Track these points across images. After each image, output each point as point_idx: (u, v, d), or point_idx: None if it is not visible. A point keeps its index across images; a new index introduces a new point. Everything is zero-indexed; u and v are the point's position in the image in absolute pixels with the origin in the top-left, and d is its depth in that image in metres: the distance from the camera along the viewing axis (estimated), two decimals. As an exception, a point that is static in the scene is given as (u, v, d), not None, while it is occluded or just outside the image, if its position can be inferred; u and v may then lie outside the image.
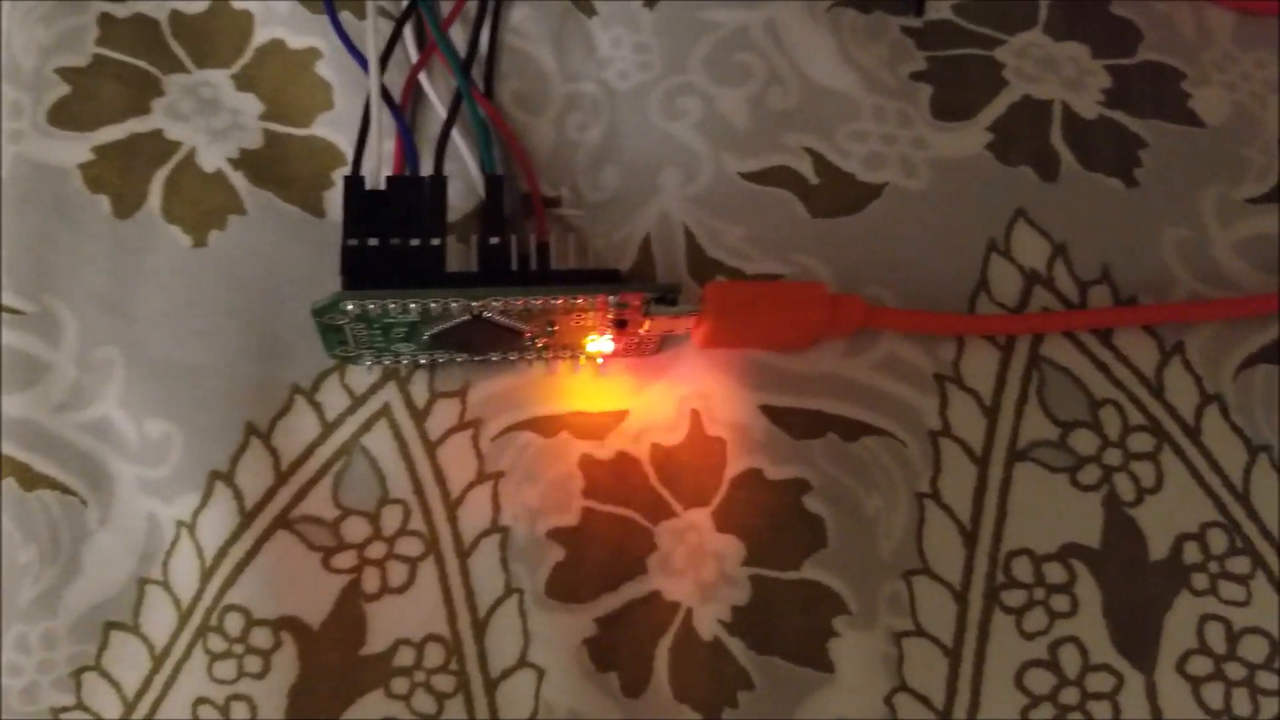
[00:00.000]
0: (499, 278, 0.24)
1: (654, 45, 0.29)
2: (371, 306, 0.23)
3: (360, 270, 0.23)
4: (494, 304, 0.23)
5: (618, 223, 0.27)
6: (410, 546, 0.25)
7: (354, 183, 0.24)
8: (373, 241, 0.23)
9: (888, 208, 0.27)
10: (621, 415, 0.26)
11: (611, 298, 0.23)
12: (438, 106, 0.28)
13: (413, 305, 0.23)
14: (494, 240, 0.24)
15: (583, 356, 0.26)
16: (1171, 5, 0.30)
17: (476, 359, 0.25)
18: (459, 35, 0.29)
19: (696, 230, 0.27)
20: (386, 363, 0.26)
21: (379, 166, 0.24)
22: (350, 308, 0.23)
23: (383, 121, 0.25)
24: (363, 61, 0.27)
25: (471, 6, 0.29)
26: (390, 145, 0.26)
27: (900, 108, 0.28)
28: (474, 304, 0.23)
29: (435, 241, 0.24)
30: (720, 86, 0.29)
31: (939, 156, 0.28)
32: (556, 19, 0.30)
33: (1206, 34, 0.30)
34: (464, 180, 0.27)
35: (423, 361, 0.26)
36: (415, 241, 0.24)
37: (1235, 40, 0.30)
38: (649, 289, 0.23)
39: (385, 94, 0.26)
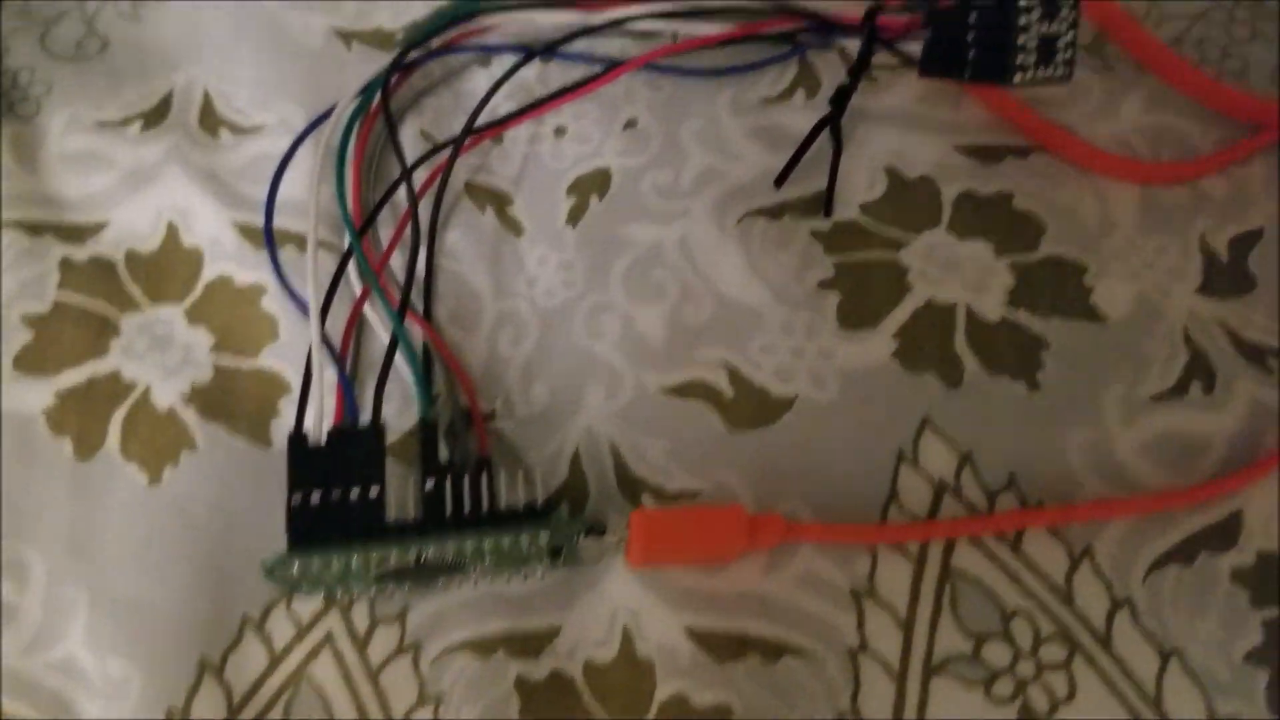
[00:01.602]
0: (438, 522, 0.26)
1: (577, 263, 0.32)
2: (316, 563, 0.25)
3: (304, 529, 0.26)
4: (433, 550, 0.25)
5: (549, 437, 0.30)
6: (352, 780, 0.27)
7: (296, 441, 0.27)
8: (316, 497, 0.26)
9: (800, 420, 0.30)
10: (555, 631, 0.28)
11: (544, 531, 0.26)
12: (381, 335, 0.30)
13: (355, 558, 0.25)
14: (430, 486, 0.27)
15: (522, 574, 0.28)
16: (1075, 193, 0.32)
17: (421, 587, 0.28)
18: (399, 258, 0.31)
19: (621, 446, 0.29)
20: (337, 595, 0.28)
21: (321, 416, 0.27)
22: (296, 567, 0.25)
23: (325, 366, 0.28)
24: (304, 306, 0.30)
25: (412, 231, 0.31)
26: (332, 376, 0.29)
27: (808, 318, 0.31)
28: (413, 552, 0.25)
29: (375, 491, 0.26)
30: (638, 304, 0.31)
31: (846, 366, 0.30)
32: (488, 240, 0.32)
33: (1109, 223, 0.32)
34: (404, 396, 0.29)
35: (371, 593, 0.28)
36: (356, 493, 0.26)
37: (1138, 226, 0.32)
38: (577, 527, 0.26)
39: (326, 340, 0.28)
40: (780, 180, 0.32)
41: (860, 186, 0.33)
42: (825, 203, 0.32)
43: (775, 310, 0.31)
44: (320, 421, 0.27)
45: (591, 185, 0.33)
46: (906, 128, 0.34)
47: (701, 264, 0.31)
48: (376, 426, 0.27)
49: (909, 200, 0.32)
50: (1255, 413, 0.30)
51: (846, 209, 0.32)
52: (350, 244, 0.30)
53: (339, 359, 0.29)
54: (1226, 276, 0.31)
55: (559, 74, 0.36)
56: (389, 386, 0.28)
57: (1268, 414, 0.30)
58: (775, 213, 0.32)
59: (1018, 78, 0.28)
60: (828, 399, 0.30)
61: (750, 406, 0.30)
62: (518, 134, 0.35)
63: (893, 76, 0.35)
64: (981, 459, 0.29)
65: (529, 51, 0.33)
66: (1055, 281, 0.31)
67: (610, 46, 0.35)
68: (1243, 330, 0.31)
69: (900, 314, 0.31)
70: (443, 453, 0.27)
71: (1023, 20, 0.27)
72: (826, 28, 0.33)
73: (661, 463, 0.29)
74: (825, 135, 0.32)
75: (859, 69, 0.31)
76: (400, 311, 0.29)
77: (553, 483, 0.29)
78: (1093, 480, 0.29)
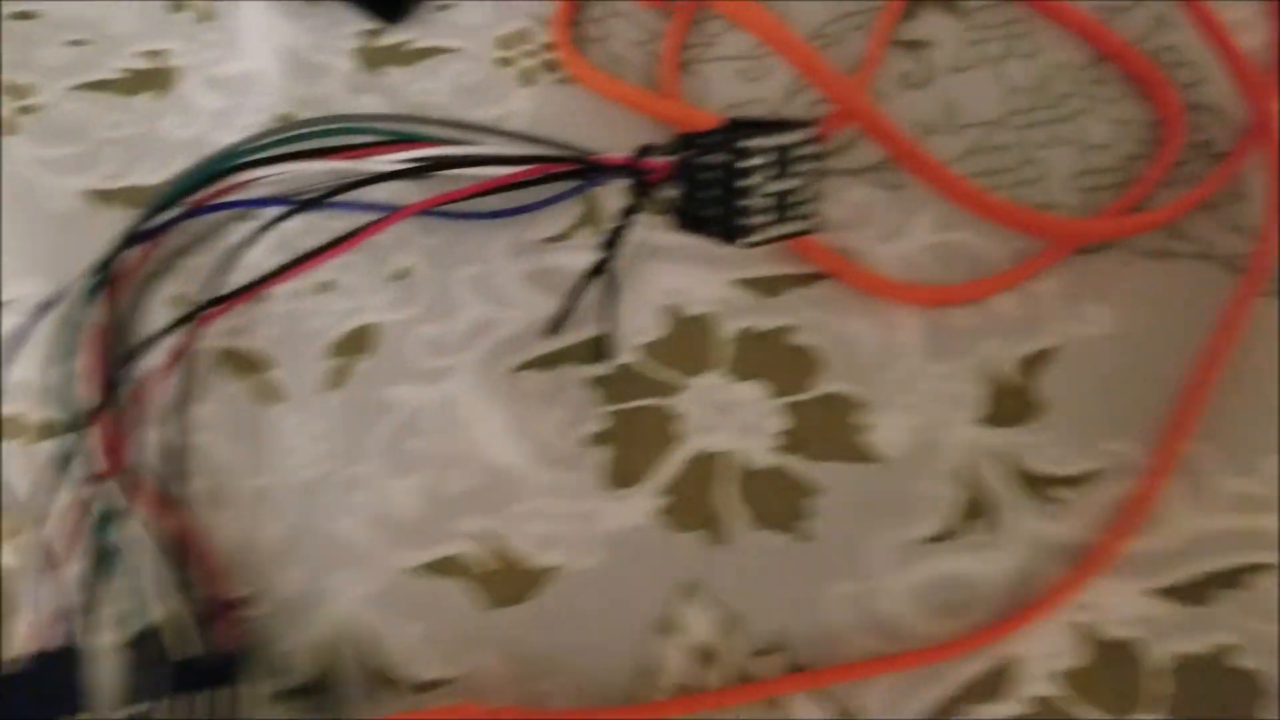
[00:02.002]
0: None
1: (336, 433, 0.31)
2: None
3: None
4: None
5: (301, 626, 0.29)
6: None
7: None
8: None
9: (561, 592, 0.29)
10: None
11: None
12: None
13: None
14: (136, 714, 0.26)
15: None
16: (859, 323, 0.32)
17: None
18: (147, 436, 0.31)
19: (376, 631, 0.28)
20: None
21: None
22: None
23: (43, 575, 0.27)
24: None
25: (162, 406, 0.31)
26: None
27: (573, 479, 0.30)
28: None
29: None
30: (395, 476, 0.30)
31: (611, 529, 0.29)
32: (245, 411, 0.31)
33: (893, 352, 0.32)
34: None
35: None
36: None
37: (924, 353, 0.32)
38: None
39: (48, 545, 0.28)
40: (553, 329, 0.31)
41: (640, 328, 0.32)
42: (602, 349, 0.31)
43: (539, 473, 0.30)
44: (35, 642, 0.26)
45: (356, 344, 0.33)
46: (689, 263, 0.33)
47: (464, 427, 0.31)
48: (71, 651, 0.26)
49: (688, 341, 0.32)
50: (1035, 550, 0.29)
51: (628, 353, 0.32)
52: (76, 428, 0.29)
53: (58, 564, 0.28)
54: (1012, 402, 0.31)
55: (328, 224, 0.35)
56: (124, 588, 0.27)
57: (1048, 550, 0.29)
58: (550, 362, 0.32)
59: (753, 238, 0.27)
60: (590, 567, 0.29)
61: (510, 580, 0.29)
62: (280, 292, 0.34)
63: (678, 206, 0.34)
64: (748, 621, 0.28)
65: (291, 204, 0.33)
66: (830, 421, 0.30)
67: (382, 191, 0.35)
68: (1026, 460, 0.30)
69: (669, 467, 0.30)
70: (189, 649, 0.26)
71: (750, 181, 0.26)
72: (598, 170, 0.32)
73: (416, 649, 0.28)
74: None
75: (628, 212, 0.30)
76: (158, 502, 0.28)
77: (301, 676, 0.28)
78: (861, 635, 0.28)
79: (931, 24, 0.37)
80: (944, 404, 0.31)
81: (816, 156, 0.27)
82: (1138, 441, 0.30)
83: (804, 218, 0.28)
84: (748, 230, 0.27)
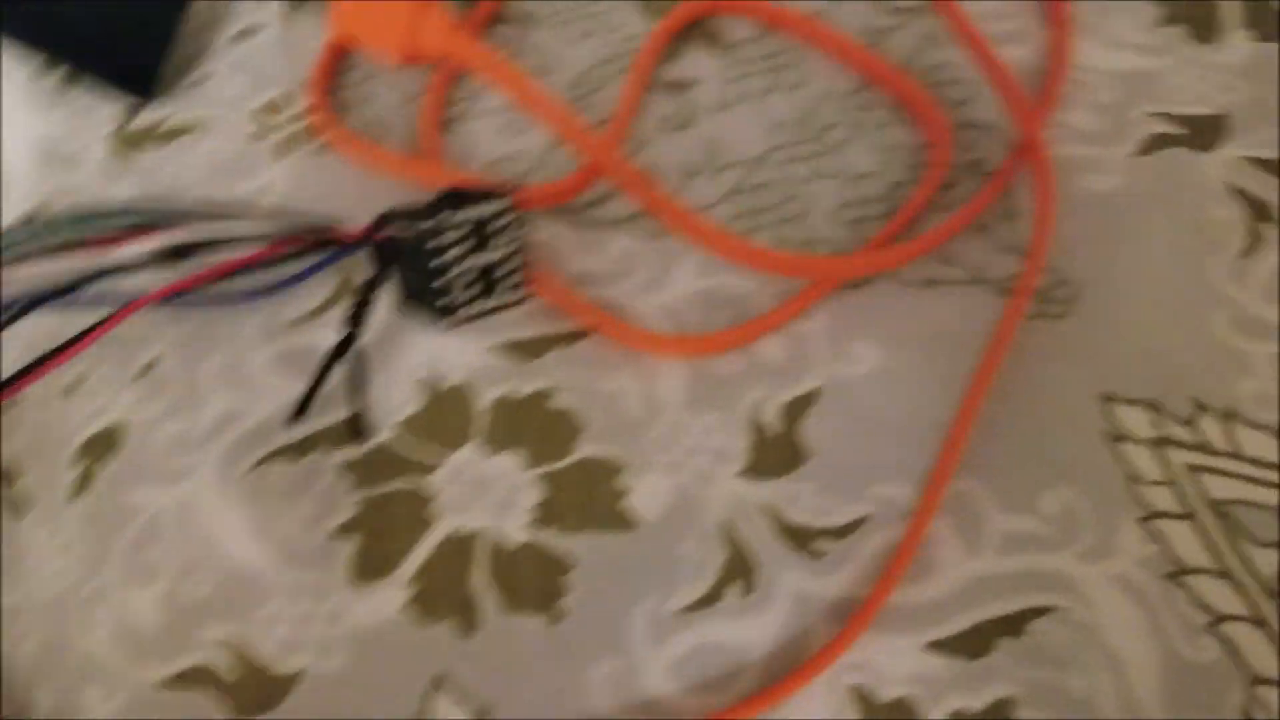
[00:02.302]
0: None
1: (77, 544, 0.30)
2: None
3: None
4: None
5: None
6: None
7: None
8: None
9: (306, 699, 0.28)
10: None
11: None
12: None
13: None
14: None
15: None
16: (620, 380, 0.31)
17: None
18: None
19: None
20: None
21: None
22: None
23: None
24: None
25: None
26: None
27: (318, 578, 0.29)
28: None
29: None
30: (134, 587, 0.29)
31: (357, 627, 0.28)
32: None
33: (655, 407, 0.31)
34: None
35: None
36: None
37: (686, 407, 0.31)
38: None
39: None
40: (298, 414, 0.30)
41: (395, 404, 0.31)
42: (355, 430, 0.30)
43: (283, 573, 0.29)
44: None
45: (101, 447, 0.32)
46: (445, 332, 0.32)
47: (203, 531, 0.30)
48: None
49: (443, 415, 0.31)
50: (798, 607, 0.28)
51: (384, 431, 0.31)
52: None
53: None
54: (775, 452, 0.30)
55: (84, 320, 0.34)
56: None
57: (815, 608, 0.28)
58: (300, 450, 0.30)
59: (457, 316, 0.26)
60: (335, 669, 0.28)
61: (254, 689, 0.28)
62: (29, 396, 0.33)
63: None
64: (500, 712, 0.27)
65: (29, 302, 0.31)
66: (587, 488, 0.30)
67: (139, 281, 0.34)
68: (787, 513, 0.29)
69: (420, 553, 0.29)
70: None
71: (446, 258, 0.26)
72: (337, 243, 0.31)
73: (166, 764, 0.27)
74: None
75: (369, 286, 0.30)
76: None
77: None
78: (617, 716, 0.27)
79: (694, 63, 0.36)
80: (705, 459, 0.30)
81: (516, 225, 0.27)
82: (907, 484, 0.30)
83: (513, 288, 0.27)
84: (450, 309, 0.26)
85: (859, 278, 0.33)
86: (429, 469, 0.30)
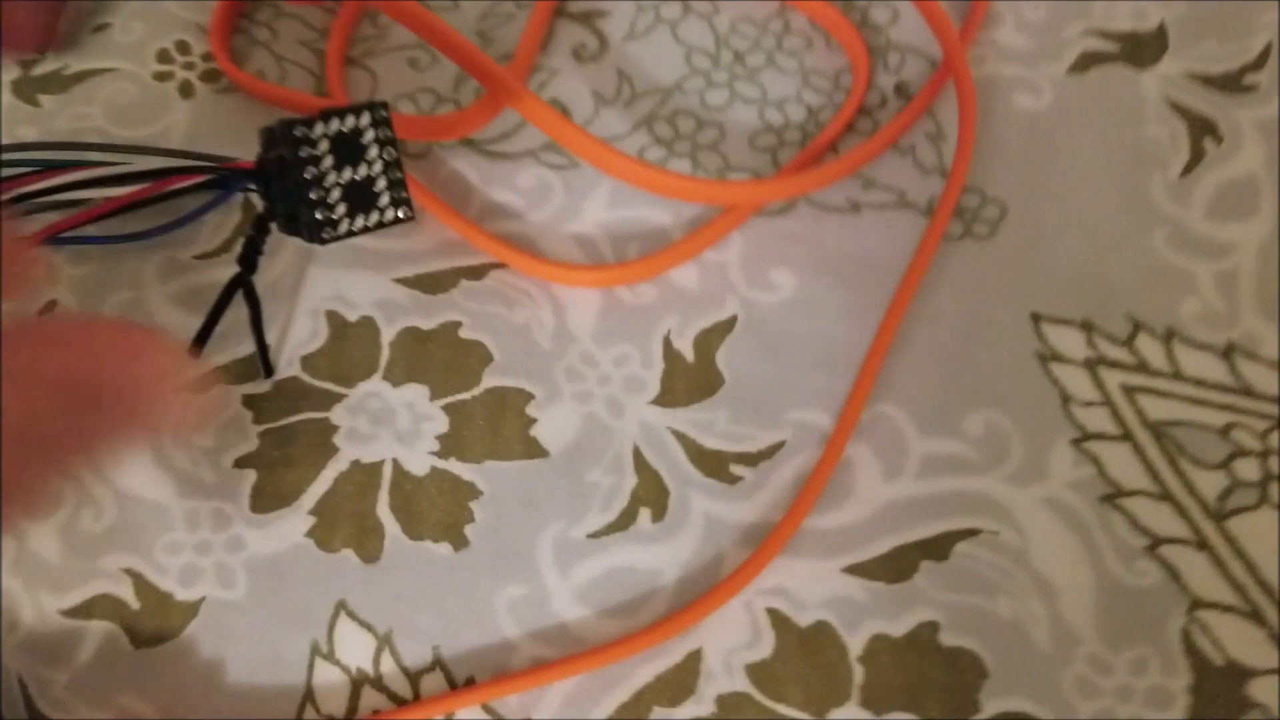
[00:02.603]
0: None
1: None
2: None
3: None
4: None
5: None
6: None
7: None
8: None
9: (207, 626, 0.27)
10: None
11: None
12: None
13: None
14: None
15: None
16: (530, 311, 0.31)
17: None
18: None
19: (26, 681, 0.27)
20: None
21: None
22: None
23: None
24: None
25: None
26: None
27: (216, 507, 0.28)
28: None
29: None
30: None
31: (257, 556, 0.28)
32: None
33: (566, 338, 0.30)
34: None
35: None
36: None
37: (597, 336, 0.30)
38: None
39: None
40: (197, 345, 0.30)
41: (303, 337, 0.31)
42: (261, 364, 0.29)
43: (180, 504, 0.28)
44: None
45: None
46: (352, 265, 0.31)
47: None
48: None
49: (349, 348, 0.30)
50: (711, 532, 0.28)
51: (289, 366, 0.30)
52: None
53: None
54: (687, 380, 0.30)
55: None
56: None
57: (729, 533, 0.28)
58: (200, 386, 0.30)
59: (328, 234, 0.26)
60: (236, 597, 0.27)
61: (155, 618, 0.27)
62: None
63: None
64: (403, 639, 0.27)
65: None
66: (494, 419, 0.29)
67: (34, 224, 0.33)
68: (702, 438, 0.29)
69: (321, 484, 0.29)
70: None
71: (317, 171, 0.25)
72: (231, 176, 0.31)
73: (63, 697, 0.26)
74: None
75: (260, 221, 0.29)
76: None
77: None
78: (530, 642, 0.27)
79: (608, -9, 0.36)
80: (617, 388, 0.30)
81: (390, 141, 0.27)
82: (824, 410, 0.29)
83: (392, 204, 0.27)
84: (322, 225, 0.26)
85: (777, 203, 0.32)
86: (334, 400, 0.29)
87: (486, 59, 0.31)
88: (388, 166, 0.27)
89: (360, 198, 0.26)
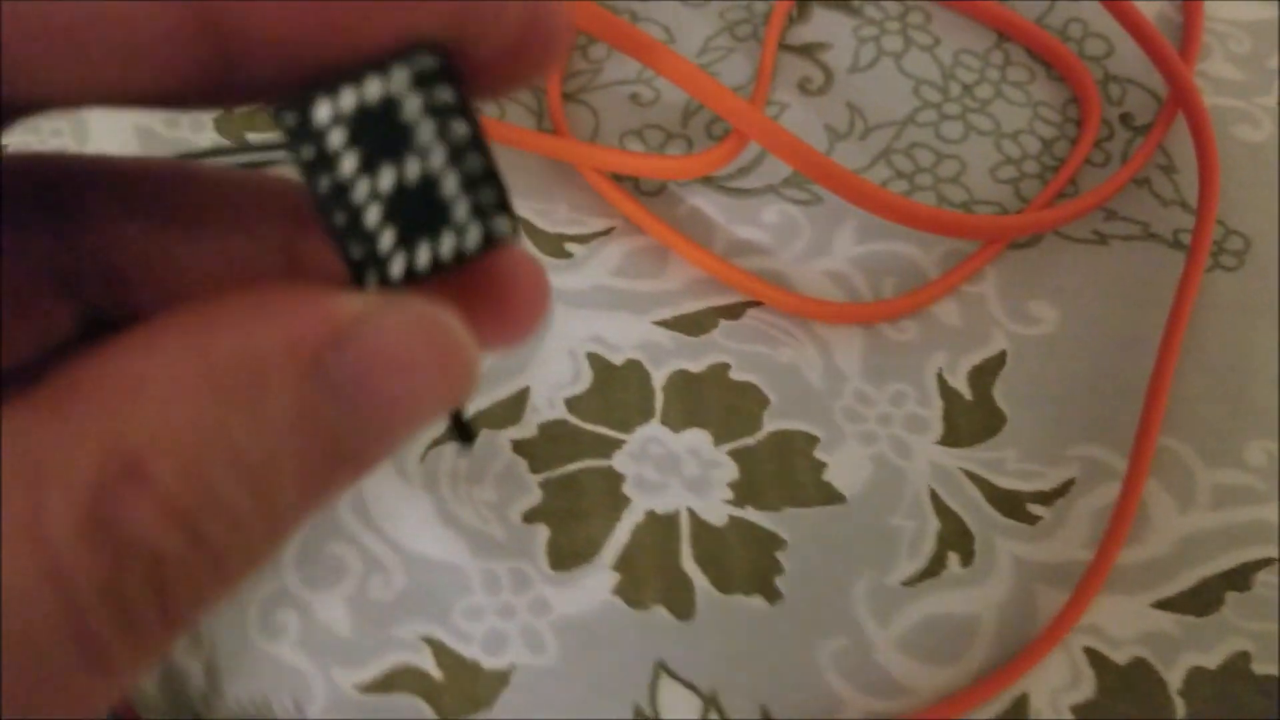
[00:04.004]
0: None
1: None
2: None
3: None
4: None
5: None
6: None
7: None
8: None
9: (520, 695, 0.27)
10: None
11: None
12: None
13: None
14: None
15: None
16: (796, 350, 0.31)
17: None
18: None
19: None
20: None
21: None
22: None
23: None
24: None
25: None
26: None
27: (514, 567, 0.28)
28: None
29: None
30: (316, 590, 0.28)
31: (564, 617, 0.28)
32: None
33: (837, 377, 0.31)
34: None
35: None
36: None
37: (868, 375, 0.31)
38: None
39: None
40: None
41: (563, 379, 0.30)
42: (458, 432, 0.17)
43: (475, 564, 0.28)
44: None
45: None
46: (607, 306, 0.32)
47: (382, 522, 0.29)
48: None
49: (617, 391, 0.30)
50: (1021, 574, 0.28)
51: (551, 408, 0.30)
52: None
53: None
54: (970, 417, 0.30)
55: None
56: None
57: (1034, 571, 0.28)
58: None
59: (371, 278, 0.14)
60: (548, 663, 0.27)
61: (464, 687, 0.27)
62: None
63: (588, 251, 0.33)
64: (730, 698, 0.27)
65: None
66: (783, 463, 0.29)
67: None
68: (996, 478, 0.29)
69: (619, 536, 0.29)
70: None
71: (319, 187, 0.14)
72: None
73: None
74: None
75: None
76: None
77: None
78: (859, 696, 0.27)
79: (824, 23, 0.37)
80: (899, 428, 0.30)
81: (453, 109, 0.14)
82: (1107, 444, 0.30)
83: (479, 215, 0.14)
84: (361, 264, 0.14)
85: (1024, 237, 0.33)
86: (612, 446, 0.30)
87: (731, 93, 0.31)
88: (457, 153, 0.15)
89: (419, 212, 0.15)
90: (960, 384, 0.31)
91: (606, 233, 0.33)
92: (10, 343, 0.15)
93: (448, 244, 0.15)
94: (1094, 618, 0.28)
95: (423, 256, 0.15)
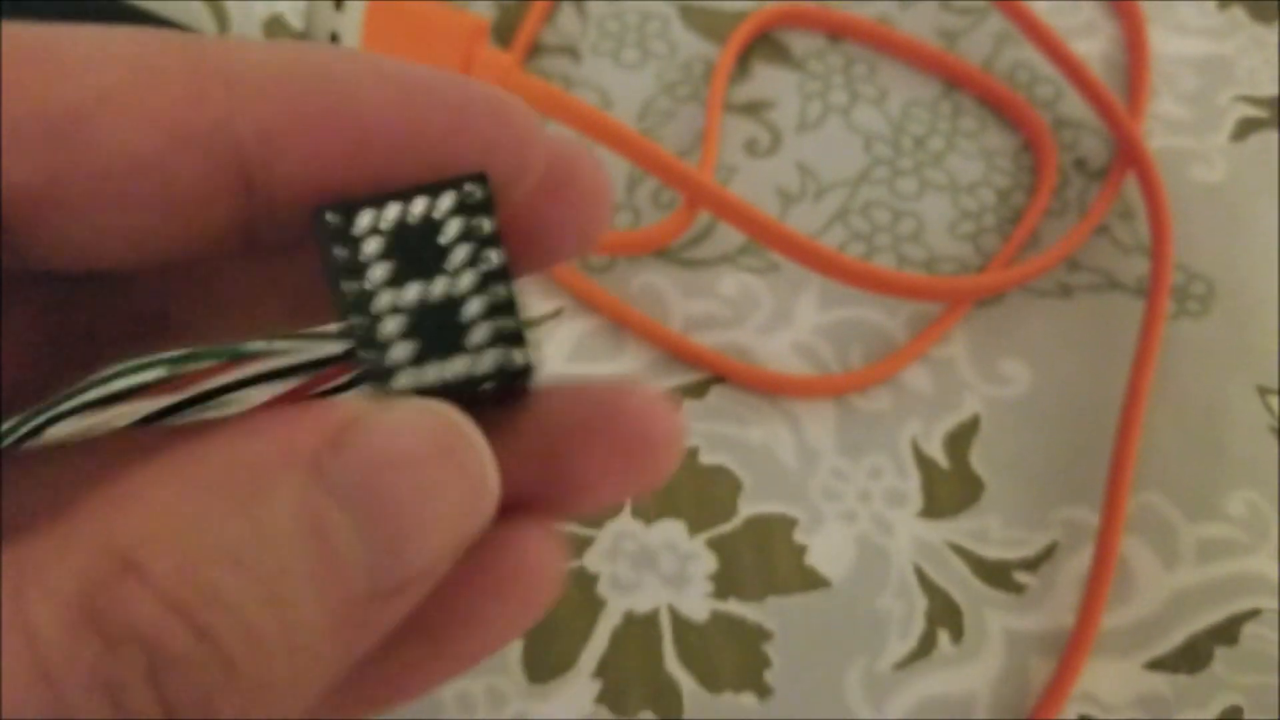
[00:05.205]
0: None
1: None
2: None
3: None
4: None
5: None
6: None
7: None
8: None
9: (504, 816, 0.27)
10: None
11: None
12: None
13: None
14: None
15: None
16: (766, 428, 0.31)
17: None
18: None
19: None
20: None
21: None
22: None
23: None
24: None
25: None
26: None
27: (489, 684, 0.28)
28: None
29: None
30: None
31: (547, 732, 0.27)
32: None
33: (810, 453, 0.31)
34: None
35: None
36: None
37: (844, 449, 0.31)
38: None
39: None
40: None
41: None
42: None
43: (451, 683, 0.28)
44: None
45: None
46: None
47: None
48: None
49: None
50: (1013, 646, 0.29)
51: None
52: None
53: None
54: (949, 486, 0.30)
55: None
56: None
57: (1025, 642, 0.28)
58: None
59: (374, 385, 0.15)
60: (532, 779, 0.27)
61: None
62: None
63: (550, 328, 0.33)
64: (726, 804, 0.27)
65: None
66: (763, 550, 0.29)
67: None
68: (980, 548, 0.30)
69: (598, 641, 0.28)
70: None
71: (345, 289, 0.15)
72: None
73: None
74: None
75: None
76: None
77: None
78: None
79: (766, 80, 0.37)
80: (879, 503, 0.30)
81: (487, 240, 0.16)
82: (1086, 503, 0.31)
83: (496, 343, 0.16)
84: (382, 371, 0.15)
85: (993, 295, 0.34)
86: (583, 545, 0.29)
87: (678, 161, 0.31)
88: (486, 280, 0.16)
89: (437, 330, 0.16)
90: (936, 452, 0.31)
91: (555, 314, 0.33)
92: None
93: (459, 366, 0.16)
94: (1087, 684, 0.29)
95: (430, 373, 0.16)
